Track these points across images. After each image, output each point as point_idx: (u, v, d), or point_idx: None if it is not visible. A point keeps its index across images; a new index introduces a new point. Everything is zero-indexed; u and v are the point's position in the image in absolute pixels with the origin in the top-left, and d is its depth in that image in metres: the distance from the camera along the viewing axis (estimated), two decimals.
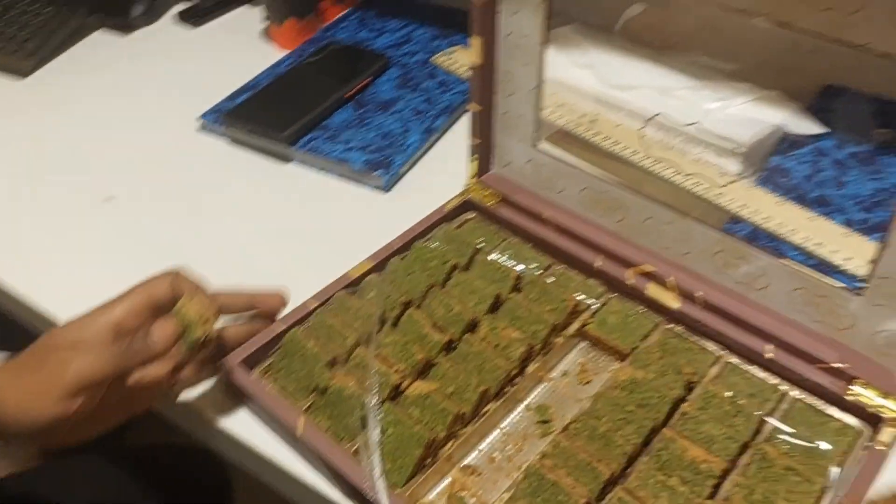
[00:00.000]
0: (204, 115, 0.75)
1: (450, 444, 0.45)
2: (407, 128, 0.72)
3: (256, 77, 0.80)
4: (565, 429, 0.45)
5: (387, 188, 0.67)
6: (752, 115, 0.61)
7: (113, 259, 0.62)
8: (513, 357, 0.48)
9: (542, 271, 0.55)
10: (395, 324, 0.51)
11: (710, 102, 0.63)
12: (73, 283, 0.59)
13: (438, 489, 0.44)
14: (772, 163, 0.61)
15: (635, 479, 0.42)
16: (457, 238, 0.57)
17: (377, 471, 0.42)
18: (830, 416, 0.45)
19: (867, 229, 0.54)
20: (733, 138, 0.58)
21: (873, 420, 0.45)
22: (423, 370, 0.48)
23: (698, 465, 0.42)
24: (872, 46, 0.38)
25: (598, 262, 0.55)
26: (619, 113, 0.66)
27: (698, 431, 0.44)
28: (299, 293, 0.52)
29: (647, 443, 0.44)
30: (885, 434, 0.43)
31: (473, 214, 0.61)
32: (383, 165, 0.67)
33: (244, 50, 0.87)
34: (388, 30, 0.87)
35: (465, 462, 0.45)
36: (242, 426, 0.48)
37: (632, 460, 0.43)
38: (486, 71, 0.56)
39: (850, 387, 0.45)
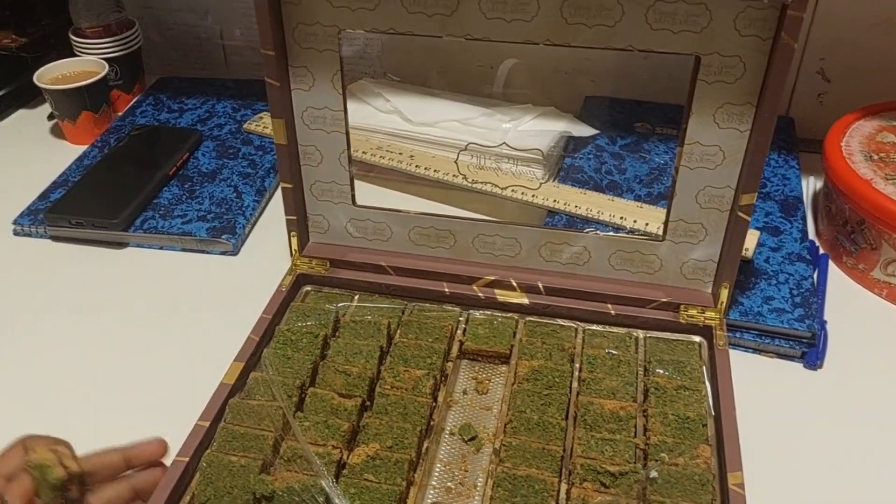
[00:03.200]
0: (18, 220, 0.70)
1: (411, 492, 0.46)
2: (239, 191, 0.73)
3: (63, 173, 0.76)
4: (504, 431, 0.48)
5: (235, 251, 0.68)
6: (541, 128, 0.74)
7: None
8: (427, 392, 0.51)
9: (403, 314, 0.58)
10: (300, 409, 0.50)
11: (505, 123, 0.74)
12: None
13: None
14: (565, 163, 0.73)
15: (578, 446, 0.47)
16: (311, 312, 0.58)
17: None
18: (678, 340, 0.56)
19: (653, 199, 0.68)
20: (534, 148, 0.69)
21: (706, 331, 0.56)
22: (354, 437, 0.48)
23: (618, 413, 0.49)
24: (633, 46, 0.49)
25: (446, 288, 0.60)
26: (432, 146, 0.75)
27: (602, 388, 0.51)
28: (179, 402, 0.50)
29: (567, 416, 0.50)
30: (719, 337, 0.55)
31: (310, 287, 0.62)
32: (228, 230, 0.69)
33: (37, 151, 0.84)
34: (188, 108, 0.87)
35: (428, 502, 0.46)
36: None
37: (568, 434, 0.48)
38: (290, 148, 0.58)
39: (679, 312, 0.56)
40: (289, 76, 0.55)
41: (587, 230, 0.61)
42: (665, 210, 0.55)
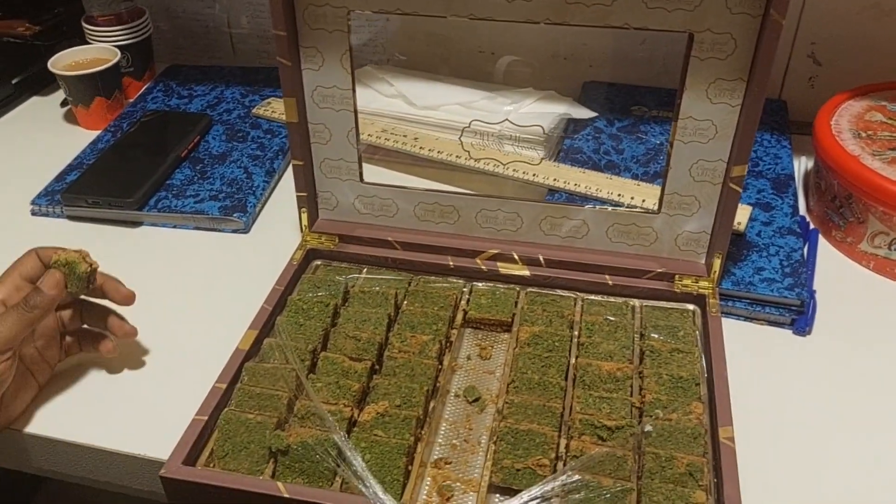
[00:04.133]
0: (36, 200, 0.73)
1: (418, 448, 0.48)
2: (249, 172, 0.76)
3: (78, 157, 0.79)
4: (507, 391, 0.51)
5: (247, 229, 0.71)
6: (542, 110, 0.77)
7: None
8: (433, 356, 0.53)
9: (409, 285, 0.61)
10: (312, 371, 0.52)
11: (506, 106, 0.77)
12: None
13: (425, 491, 0.47)
14: (565, 144, 0.76)
15: (577, 404, 0.49)
16: (321, 283, 0.60)
17: (378, 490, 0.43)
18: (674, 308, 0.58)
19: (650, 178, 0.71)
20: (535, 129, 0.72)
21: (699, 300, 0.58)
22: (364, 398, 0.51)
23: (615, 374, 0.51)
24: (630, 24, 0.51)
25: (451, 261, 0.62)
26: (436, 128, 0.78)
27: (599, 352, 0.53)
28: (197, 368, 0.52)
29: (566, 377, 0.52)
30: (712, 305, 0.57)
31: (320, 262, 0.64)
32: (239, 208, 0.71)
33: (52, 136, 0.87)
34: (197, 95, 0.90)
35: (434, 458, 0.49)
36: None
37: (567, 394, 0.51)
38: (301, 126, 0.60)
39: (674, 282, 0.59)
40: (299, 56, 0.58)
41: (586, 205, 0.63)
42: (663, 177, 0.57)
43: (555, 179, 0.71)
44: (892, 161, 0.63)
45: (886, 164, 0.63)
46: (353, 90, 0.59)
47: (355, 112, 0.60)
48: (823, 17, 0.80)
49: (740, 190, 0.55)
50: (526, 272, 0.61)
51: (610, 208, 0.61)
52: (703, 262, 0.59)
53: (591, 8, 0.52)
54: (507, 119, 0.64)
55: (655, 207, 0.59)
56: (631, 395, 0.50)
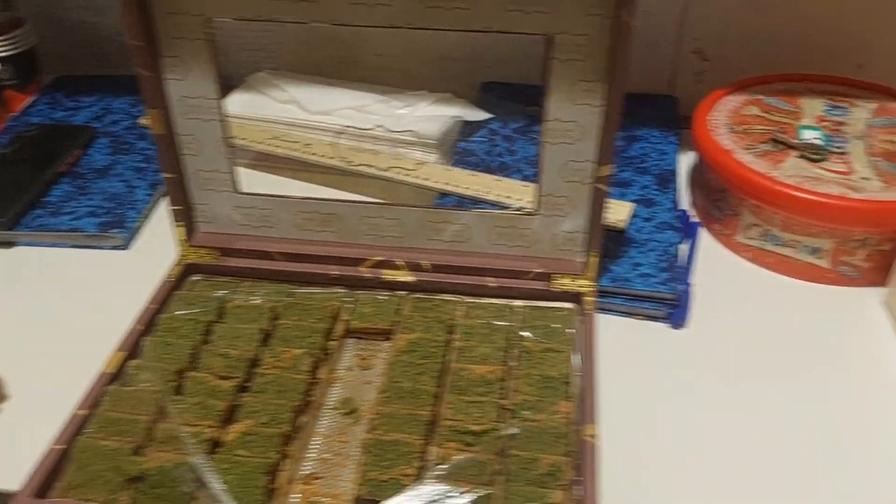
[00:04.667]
0: None
1: (285, 464, 0.47)
2: (132, 185, 0.74)
3: None
4: (377, 401, 0.50)
5: (126, 245, 0.69)
6: (435, 113, 0.77)
7: None
8: (304, 370, 0.52)
9: (289, 297, 0.60)
10: (179, 392, 0.51)
11: (400, 109, 0.77)
12: None
13: None
14: (459, 147, 0.76)
15: (448, 409, 0.49)
16: (196, 300, 0.59)
17: None
18: (552, 308, 0.58)
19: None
20: (427, 133, 0.72)
21: (577, 298, 0.59)
22: (229, 417, 0.50)
23: (486, 377, 0.51)
24: (490, 28, 0.51)
25: (334, 270, 0.61)
26: (329, 133, 0.77)
27: (474, 356, 0.53)
28: (64, 394, 0.50)
29: (442, 383, 0.52)
30: (586, 303, 0.58)
31: (200, 277, 0.62)
32: (118, 224, 0.69)
33: None
34: (83, 106, 0.87)
35: (305, 474, 0.48)
36: None
37: (439, 400, 0.51)
38: (168, 138, 0.58)
39: (553, 282, 0.59)
40: (161, 66, 0.56)
41: (468, 209, 0.63)
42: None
43: (445, 183, 0.71)
44: (763, 154, 0.65)
45: (757, 158, 0.64)
46: (219, 100, 0.57)
47: (224, 122, 0.58)
48: (708, 12, 0.82)
49: (608, 189, 0.55)
50: (410, 278, 0.61)
51: (490, 211, 0.61)
52: (580, 260, 0.60)
53: (451, 12, 0.52)
54: (399, 126, 0.64)
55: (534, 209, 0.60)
56: (502, 398, 0.50)
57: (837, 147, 0.66)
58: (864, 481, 0.49)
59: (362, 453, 0.47)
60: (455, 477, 0.45)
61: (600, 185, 0.55)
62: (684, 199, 0.73)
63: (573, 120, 0.54)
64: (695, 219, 0.71)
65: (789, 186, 0.61)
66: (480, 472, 0.45)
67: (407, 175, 0.71)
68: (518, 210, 0.66)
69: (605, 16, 0.50)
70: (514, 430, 0.47)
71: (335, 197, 0.63)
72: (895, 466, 0.50)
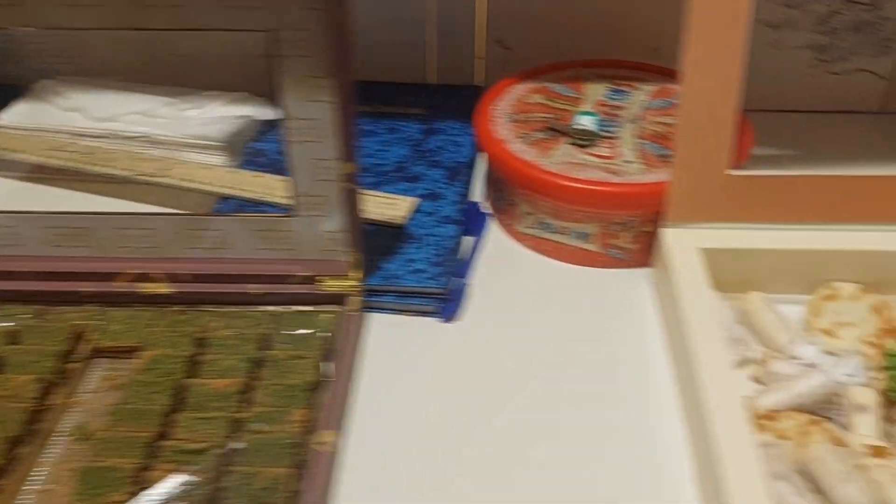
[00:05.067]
0: None
1: None
2: None
3: None
4: (104, 424, 0.47)
5: None
6: (223, 115, 0.75)
7: None
8: (26, 398, 0.49)
9: (34, 319, 0.56)
10: None
11: (189, 112, 0.75)
12: None
13: None
14: (251, 148, 0.74)
15: (177, 429, 0.47)
16: None
17: None
18: (317, 312, 0.57)
19: None
20: (211, 135, 0.70)
21: (342, 299, 0.57)
22: None
23: (224, 391, 0.49)
24: (210, 25, 0.49)
25: (85, 287, 0.58)
26: (110, 141, 0.74)
27: (216, 369, 0.51)
28: None
29: (179, 400, 0.49)
30: (349, 303, 0.56)
31: None
32: None
33: None
34: None
35: None
36: None
37: (170, 419, 0.48)
38: None
39: (318, 284, 0.58)
40: None
41: (232, 214, 0.61)
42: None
43: (225, 186, 0.68)
44: (535, 143, 0.65)
45: (528, 147, 0.64)
46: None
47: None
48: (507, 1, 0.82)
49: (355, 186, 0.54)
50: (167, 290, 0.58)
51: (246, 214, 0.59)
52: (345, 260, 0.58)
53: (165, 10, 0.49)
54: (182, 130, 0.61)
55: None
56: (238, 412, 0.48)
57: (608, 131, 0.66)
58: (620, 457, 0.49)
59: (76, 482, 0.44)
60: (168, 500, 0.42)
61: (346, 183, 0.54)
62: (479, 192, 0.73)
63: (310, 117, 0.53)
64: (487, 210, 0.71)
65: (552, 174, 0.61)
66: (194, 493, 0.43)
67: (189, 181, 0.68)
68: (279, 213, 0.64)
69: (321, 9, 0.49)
70: (242, 445, 0.45)
71: (88, 210, 0.59)
72: (646, 438, 0.50)
